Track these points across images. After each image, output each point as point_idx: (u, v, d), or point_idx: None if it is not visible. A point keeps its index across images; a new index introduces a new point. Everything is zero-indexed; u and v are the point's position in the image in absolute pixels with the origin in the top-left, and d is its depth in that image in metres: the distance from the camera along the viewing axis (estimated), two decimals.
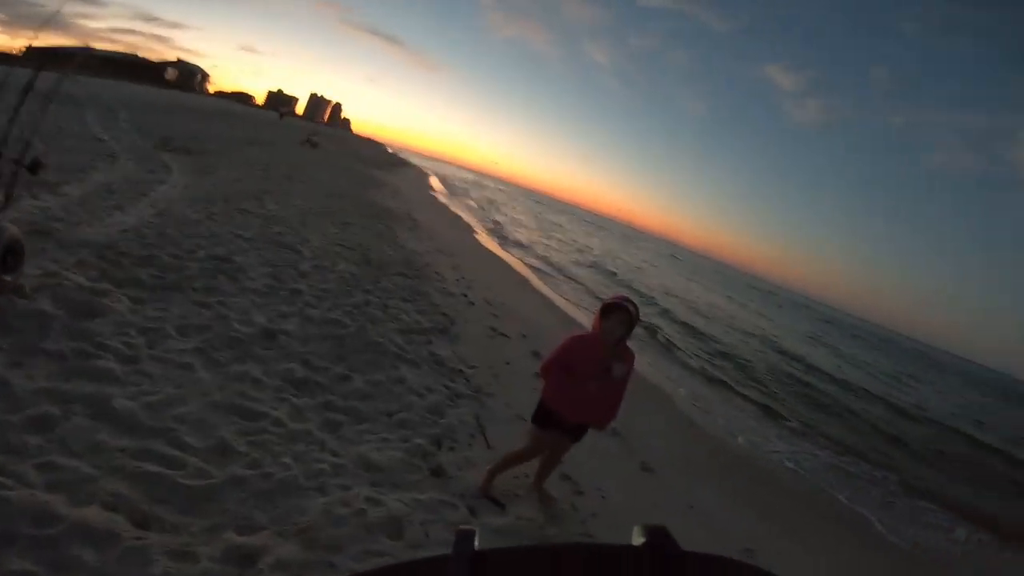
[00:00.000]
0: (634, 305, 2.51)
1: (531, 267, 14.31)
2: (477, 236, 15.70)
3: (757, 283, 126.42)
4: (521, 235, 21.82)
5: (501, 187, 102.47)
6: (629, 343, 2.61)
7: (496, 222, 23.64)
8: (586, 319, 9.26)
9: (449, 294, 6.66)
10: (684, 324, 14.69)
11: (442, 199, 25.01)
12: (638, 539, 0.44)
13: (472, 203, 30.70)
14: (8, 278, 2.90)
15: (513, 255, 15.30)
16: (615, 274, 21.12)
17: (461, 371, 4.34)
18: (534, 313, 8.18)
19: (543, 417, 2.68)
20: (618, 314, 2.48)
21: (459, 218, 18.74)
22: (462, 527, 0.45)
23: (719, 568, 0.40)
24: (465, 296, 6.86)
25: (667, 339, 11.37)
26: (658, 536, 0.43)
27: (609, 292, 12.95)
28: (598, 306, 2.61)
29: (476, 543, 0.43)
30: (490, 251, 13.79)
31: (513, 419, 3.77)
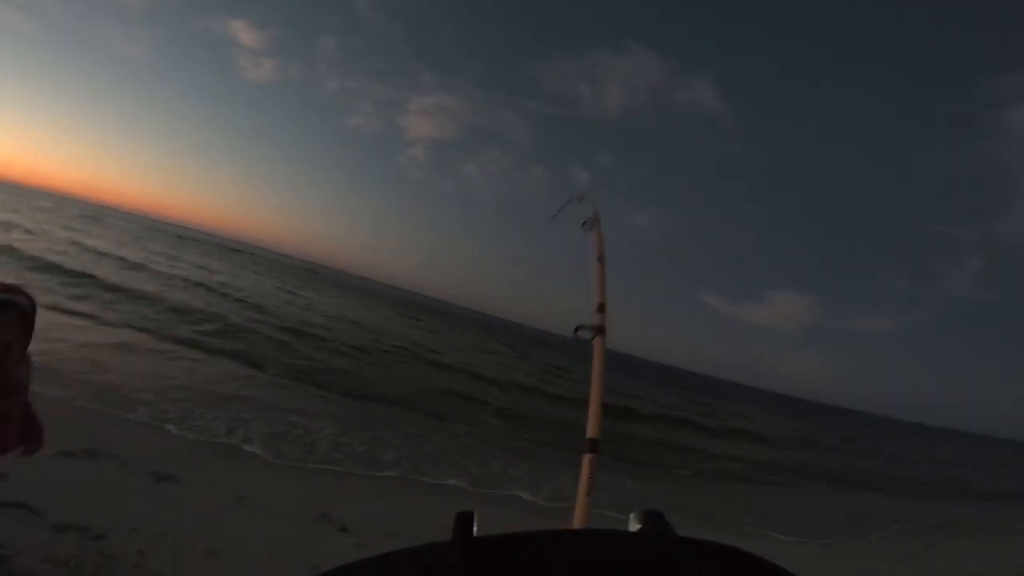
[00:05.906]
0: (27, 296, 1.71)
1: None
2: None
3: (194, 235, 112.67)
4: None
5: None
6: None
7: None
8: None
9: None
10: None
11: None
12: (634, 525, 0.45)
13: None
14: None
15: None
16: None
17: None
18: None
19: None
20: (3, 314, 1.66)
21: None
22: (461, 511, 0.44)
23: (713, 553, 0.41)
24: None
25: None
26: (654, 521, 0.44)
27: None
28: None
29: (475, 528, 0.43)
30: None
31: None
